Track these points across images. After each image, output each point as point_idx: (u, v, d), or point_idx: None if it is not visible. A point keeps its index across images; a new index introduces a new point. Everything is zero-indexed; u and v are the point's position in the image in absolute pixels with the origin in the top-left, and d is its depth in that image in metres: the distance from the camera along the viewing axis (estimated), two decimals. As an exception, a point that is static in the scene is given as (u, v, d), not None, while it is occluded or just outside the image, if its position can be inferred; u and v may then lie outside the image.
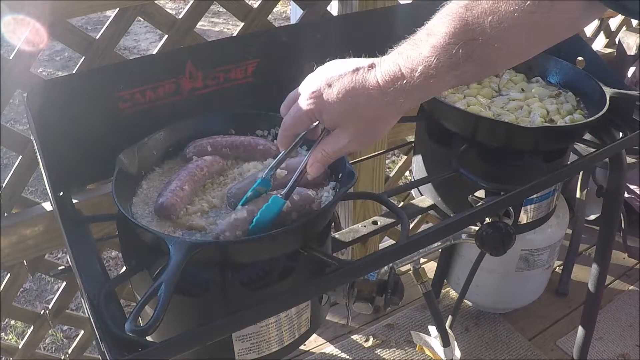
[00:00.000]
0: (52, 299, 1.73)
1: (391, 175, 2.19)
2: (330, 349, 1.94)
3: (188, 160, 1.09)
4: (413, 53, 0.77)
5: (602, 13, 0.75)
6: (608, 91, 1.26)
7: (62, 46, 4.66)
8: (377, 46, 1.44)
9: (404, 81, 0.77)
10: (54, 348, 2.51)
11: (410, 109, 0.82)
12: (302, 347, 1.81)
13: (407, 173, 2.30)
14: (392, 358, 1.91)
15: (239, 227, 0.89)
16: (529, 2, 0.70)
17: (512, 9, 0.71)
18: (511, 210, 1.21)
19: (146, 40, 5.56)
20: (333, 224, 1.33)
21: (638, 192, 2.32)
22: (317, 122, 0.87)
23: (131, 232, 0.96)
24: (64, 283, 1.70)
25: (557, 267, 2.22)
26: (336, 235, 1.24)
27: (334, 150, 0.84)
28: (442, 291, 2.14)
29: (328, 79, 0.82)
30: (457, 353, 1.54)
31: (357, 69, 0.81)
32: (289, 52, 1.07)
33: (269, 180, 0.94)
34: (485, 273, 1.77)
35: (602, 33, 2.60)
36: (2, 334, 2.53)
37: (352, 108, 0.80)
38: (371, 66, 0.81)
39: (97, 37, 1.38)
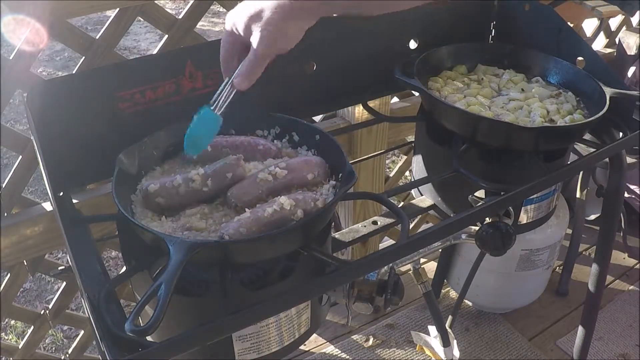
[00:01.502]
0: (52, 299, 1.73)
1: (391, 175, 2.19)
2: (330, 349, 1.94)
3: (188, 161, 1.09)
4: None
5: None
6: (608, 91, 1.26)
7: (62, 46, 4.66)
8: (377, 46, 1.45)
9: None
10: (54, 348, 2.51)
11: (313, 17, 0.87)
12: (302, 347, 1.81)
13: (407, 173, 2.30)
14: (392, 358, 1.91)
15: (242, 226, 0.90)
16: None
17: None
18: (511, 210, 1.21)
19: (146, 40, 5.56)
20: (333, 224, 1.33)
21: (638, 192, 2.32)
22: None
23: (131, 232, 0.96)
24: (64, 283, 1.70)
25: (557, 267, 2.22)
26: (336, 235, 1.24)
27: (250, 59, 0.90)
28: (442, 291, 2.14)
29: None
30: (457, 353, 1.54)
31: None
32: (288, 52, 1.07)
33: (210, 106, 0.97)
34: (485, 273, 1.77)
35: (602, 33, 2.61)
36: (2, 334, 2.54)
37: (257, 13, 0.86)
38: None
39: (97, 37, 1.38)
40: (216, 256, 0.90)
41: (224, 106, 0.97)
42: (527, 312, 2.07)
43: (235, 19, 0.91)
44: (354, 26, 1.42)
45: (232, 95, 0.96)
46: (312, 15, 0.88)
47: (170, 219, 0.97)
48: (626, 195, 2.29)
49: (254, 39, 0.88)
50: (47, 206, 1.44)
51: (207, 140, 0.99)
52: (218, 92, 0.97)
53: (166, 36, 1.48)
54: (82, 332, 1.85)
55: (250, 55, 0.90)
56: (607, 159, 1.47)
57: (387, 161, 3.51)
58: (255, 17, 0.87)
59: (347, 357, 1.92)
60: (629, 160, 1.93)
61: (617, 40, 2.57)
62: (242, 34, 0.90)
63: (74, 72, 1.33)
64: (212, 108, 0.96)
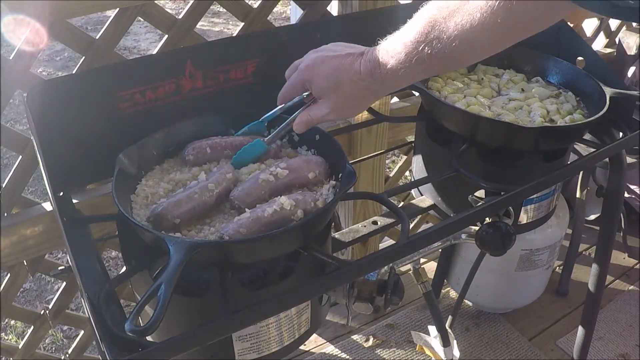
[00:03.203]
0: (52, 299, 1.73)
1: (391, 175, 2.19)
2: (330, 349, 1.94)
3: (187, 163, 1.09)
4: (390, 47, 0.90)
5: (569, 10, 0.81)
6: (608, 91, 1.26)
7: (62, 46, 4.66)
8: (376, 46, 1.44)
9: (379, 71, 0.92)
10: (54, 348, 2.51)
11: (385, 94, 1.00)
12: (302, 347, 1.81)
13: (407, 173, 2.30)
14: (392, 358, 1.91)
15: (242, 226, 0.90)
16: (490, 2, 0.77)
17: (473, 9, 0.79)
18: (511, 210, 1.21)
19: (146, 40, 5.56)
20: (333, 224, 1.33)
21: (638, 192, 2.32)
22: (309, 92, 1.02)
23: (131, 232, 0.96)
24: (64, 283, 1.70)
25: (557, 267, 2.22)
26: (336, 235, 1.24)
27: (316, 116, 1.00)
28: (442, 291, 2.14)
29: (324, 56, 0.98)
30: (457, 353, 1.54)
31: (349, 55, 0.96)
32: (289, 52, 1.07)
33: (264, 124, 1.10)
34: (485, 273, 1.77)
35: (602, 33, 2.60)
36: (2, 334, 2.53)
37: (335, 85, 0.96)
38: (361, 54, 0.95)
39: (97, 37, 1.38)
40: (216, 256, 0.90)
41: (277, 138, 1.09)
42: (527, 312, 2.07)
43: (310, 80, 0.99)
44: (354, 26, 1.43)
45: (287, 129, 1.06)
46: (383, 95, 1.01)
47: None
48: (626, 195, 2.29)
49: (327, 106, 0.98)
50: (47, 206, 1.44)
51: (251, 160, 1.09)
52: (271, 112, 1.09)
53: (166, 36, 1.48)
54: (82, 332, 1.85)
55: (320, 115, 1.00)
56: (607, 159, 1.47)
57: (387, 161, 3.51)
58: (334, 88, 0.97)
59: (347, 357, 1.92)
60: (629, 160, 1.92)
61: (617, 40, 2.57)
62: (313, 92, 1.01)
63: (74, 72, 1.33)
64: (265, 139, 1.08)
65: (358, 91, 0.95)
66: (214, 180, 0.99)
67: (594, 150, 1.25)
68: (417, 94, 1.89)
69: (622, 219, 2.25)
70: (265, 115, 1.09)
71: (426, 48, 0.84)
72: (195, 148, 1.09)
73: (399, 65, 0.88)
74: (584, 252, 2.37)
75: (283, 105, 1.06)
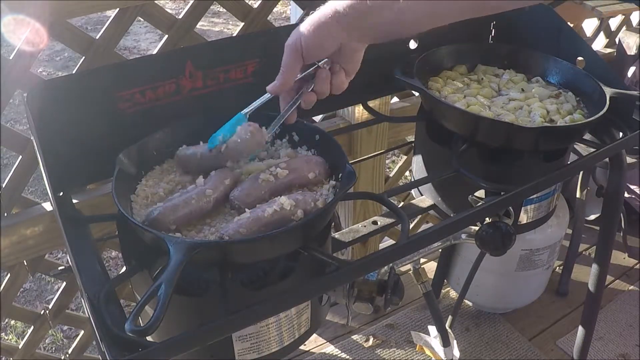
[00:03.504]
0: (52, 299, 1.73)
1: (391, 175, 2.19)
2: (330, 349, 1.94)
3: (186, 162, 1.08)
4: None
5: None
6: (608, 91, 1.26)
7: (62, 46, 4.66)
8: (377, 46, 1.44)
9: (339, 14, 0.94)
10: (54, 348, 2.51)
11: (346, 28, 0.97)
12: (302, 347, 1.81)
13: (407, 173, 2.30)
14: (392, 358, 1.91)
15: (242, 226, 0.90)
16: None
17: None
18: (511, 210, 1.21)
19: (146, 40, 5.57)
20: (333, 224, 1.33)
21: (638, 192, 2.32)
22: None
23: (131, 232, 0.96)
24: (64, 283, 1.70)
25: (557, 267, 2.22)
26: (336, 235, 1.24)
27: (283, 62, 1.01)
28: (442, 291, 2.14)
29: (308, 19, 0.99)
30: (457, 353, 1.54)
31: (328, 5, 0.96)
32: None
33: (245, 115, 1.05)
34: (485, 273, 1.77)
35: (602, 33, 2.61)
36: (2, 334, 2.54)
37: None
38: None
39: (97, 37, 1.38)
40: (216, 256, 0.90)
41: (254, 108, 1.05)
42: (527, 312, 2.07)
43: (299, 39, 1.00)
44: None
45: (265, 99, 1.05)
46: (344, 28, 0.98)
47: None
48: (626, 195, 2.29)
49: (295, 33, 0.99)
50: (47, 206, 1.44)
51: (228, 131, 1.05)
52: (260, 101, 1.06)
53: (166, 36, 1.48)
54: (82, 332, 1.85)
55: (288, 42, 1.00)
56: (607, 159, 1.47)
57: (387, 161, 3.51)
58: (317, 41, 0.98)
59: (347, 357, 1.92)
60: (629, 160, 1.93)
61: (617, 40, 2.57)
62: (305, 57, 1.01)
63: (74, 72, 1.33)
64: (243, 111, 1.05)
65: (319, 15, 0.97)
66: (212, 185, 0.98)
67: (594, 150, 1.25)
68: (417, 94, 1.89)
69: (622, 219, 2.25)
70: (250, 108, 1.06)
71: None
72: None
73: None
74: (584, 252, 2.37)
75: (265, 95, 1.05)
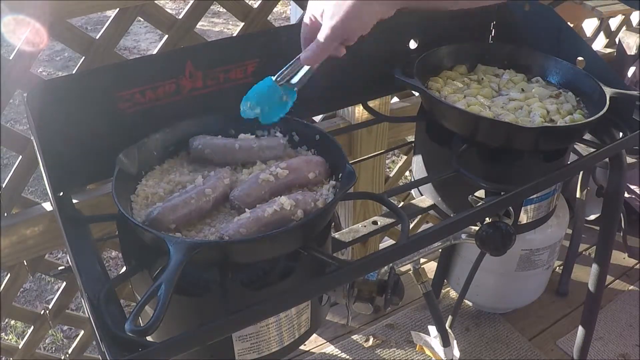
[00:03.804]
0: (52, 299, 1.73)
1: (391, 175, 2.19)
2: (330, 349, 1.94)
3: (193, 159, 1.09)
4: None
5: None
6: (608, 91, 1.26)
7: (62, 46, 4.66)
8: (377, 46, 1.44)
9: None
10: (54, 348, 2.51)
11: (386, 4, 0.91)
12: (302, 347, 1.81)
13: (407, 173, 2.30)
14: (392, 358, 1.91)
15: (242, 226, 0.90)
16: None
17: None
18: (511, 210, 1.21)
19: (146, 40, 5.57)
20: (333, 224, 1.33)
21: (638, 192, 2.32)
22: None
23: (131, 232, 0.96)
24: (64, 283, 1.70)
25: (557, 267, 2.22)
26: (336, 235, 1.24)
27: (318, 40, 0.95)
28: (442, 291, 2.14)
29: None
30: (457, 353, 1.55)
31: None
32: (289, 52, 1.07)
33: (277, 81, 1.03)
34: (485, 273, 1.77)
35: (602, 33, 2.61)
36: (2, 334, 2.54)
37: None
38: None
39: (97, 37, 1.38)
40: (216, 256, 0.90)
41: (297, 80, 1.02)
42: (527, 312, 2.07)
43: (312, 7, 0.97)
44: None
45: (305, 70, 1.01)
46: (386, 5, 0.91)
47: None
48: (626, 195, 2.29)
49: (326, 18, 0.93)
50: (47, 206, 1.44)
51: (259, 93, 1.04)
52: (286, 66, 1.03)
53: (166, 36, 1.48)
54: (82, 332, 1.85)
55: (320, 33, 0.95)
56: (607, 159, 1.47)
57: (387, 161, 3.51)
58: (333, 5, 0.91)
59: (347, 357, 1.92)
60: (629, 160, 1.93)
61: (617, 40, 2.57)
62: (318, 18, 0.96)
63: (74, 72, 1.33)
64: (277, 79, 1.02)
65: None
66: (211, 185, 0.98)
67: (594, 150, 1.25)
68: (417, 94, 1.89)
69: (622, 219, 2.25)
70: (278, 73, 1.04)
71: None
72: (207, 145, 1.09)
73: None
74: (584, 252, 2.37)
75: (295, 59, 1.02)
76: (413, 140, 1.61)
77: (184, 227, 0.95)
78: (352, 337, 1.98)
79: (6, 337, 2.53)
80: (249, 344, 1.01)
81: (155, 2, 1.41)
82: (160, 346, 0.78)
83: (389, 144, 1.94)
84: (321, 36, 0.95)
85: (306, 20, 1.01)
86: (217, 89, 1.23)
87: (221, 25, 5.92)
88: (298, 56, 1.01)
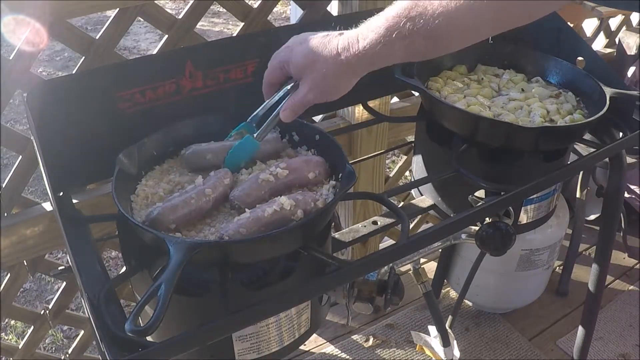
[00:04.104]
0: (52, 299, 1.73)
1: (391, 175, 2.19)
2: (330, 349, 1.94)
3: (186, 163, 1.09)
4: (371, 22, 0.87)
5: (562, 3, 0.80)
6: (608, 91, 1.26)
7: (62, 46, 4.66)
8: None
9: (357, 46, 0.88)
10: (54, 348, 2.51)
11: (364, 73, 0.93)
12: (302, 347, 1.81)
13: (407, 173, 2.30)
14: (392, 358, 1.91)
15: (242, 226, 0.90)
16: None
17: None
18: (511, 210, 1.21)
19: (146, 40, 5.57)
20: (333, 224, 1.33)
21: (638, 192, 2.32)
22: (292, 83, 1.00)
23: (131, 232, 0.96)
24: (64, 283, 1.70)
25: (557, 267, 2.22)
26: (336, 235, 1.24)
27: (297, 98, 0.97)
28: (442, 291, 2.14)
29: (303, 38, 0.96)
30: (457, 353, 1.54)
31: (327, 35, 0.93)
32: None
33: (252, 124, 1.06)
34: (485, 273, 1.77)
35: (602, 33, 2.60)
36: (2, 334, 2.53)
37: (312, 62, 0.93)
38: (340, 34, 0.92)
39: (97, 37, 1.38)
40: (216, 256, 0.90)
41: (268, 133, 1.05)
42: (527, 312, 2.07)
43: (288, 60, 0.97)
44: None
45: (275, 122, 1.03)
46: (362, 73, 0.94)
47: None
48: (626, 195, 2.29)
49: (306, 86, 0.95)
50: (47, 206, 1.44)
51: (243, 160, 1.07)
52: (257, 111, 1.06)
53: (166, 36, 1.48)
54: (82, 332, 1.85)
55: (300, 97, 0.97)
56: (607, 159, 1.47)
57: (387, 161, 3.51)
58: (310, 66, 0.94)
59: (347, 357, 1.91)
60: (629, 160, 1.92)
61: (617, 40, 2.57)
62: (293, 74, 0.98)
63: (74, 72, 1.33)
64: (255, 135, 1.05)
65: (335, 67, 0.91)
66: (211, 185, 0.98)
67: (594, 150, 1.25)
68: (417, 94, 1.89)
69: (622, 219, 2.25)
70: (252, 115, 1.06)
71: (408, 23, 0.81)
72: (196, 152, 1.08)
73: (379, 39, 0.85)
74: (584, 252, 2.37)
75: (268, 101, 1.04)
76: (413, 140, 1.61)
77: (184, 227, 0.95)
78: (352, 337, 1.98)
79: (6, 337, 2.53)
80: (249, 344, 1.01)
81: (155, 2, 1.41)
82: (160, 346, 0.78)
83: (389, 144, 1.94)
84: (302, 100, 0.97)
85: (274, 65, 1.00)
86: (217, 89, 1.23)
87: (221, 25, 5.92)
88: (275, 113, 1.01)
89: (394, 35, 0.83)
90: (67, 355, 1.86)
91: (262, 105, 1.05)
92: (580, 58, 1.44)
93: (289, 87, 1.00)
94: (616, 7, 2.11)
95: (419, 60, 0.91)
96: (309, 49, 0.93)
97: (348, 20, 0.93)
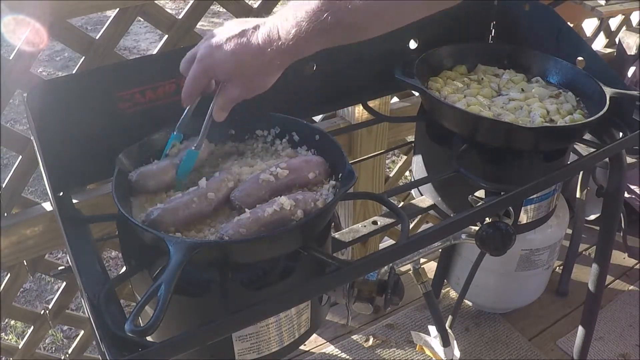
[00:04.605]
0: (52, 299, 1.73)
1: (391, 175, 2.19)
2: (330, 349, 1.94)
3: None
4: (290, 16, 0.86)
5: None
6: (608, 91, 1.26)
7: (62, 46, 4.66)
8: (376, 46, 1.44)
9: (279, 42, 0.88)
10: (54, 348, 2.51)
11: (291, 62, 0.93)
12: (302, 347, 1.81)
13: (407, 173, 2.30)
14: (392, 358, 1.91)
15: (242, 226, 0.89)
16: None
17: None
18: (511, 210, 1.21)
19: (146, 40, 5.56)
20: (333, 224, 1.33)
21: (638, 192, 2.32)
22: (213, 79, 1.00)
23: (131, 232, 0.96)
24: (64, 283, 1.70)
25: (557, 267, 2.22)
26: (336, 235, 1.24)
27: (231, 97, 0.98)
28: (442, 291, 2.14)
29: (218, 42, 0.94)
30: (457, 353, 1.54)
31: (243, 32, 0.92)
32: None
33: (180, 133, 1.07)
34: (485, 273, 1.77)
35: (602, 33, 2.61)
36: (2, 334, 2.53)
37: (238, 66, 0.93)
38: (255, 28, 0.91)
39: (97, 37, 1.38)
40: (216, 256, 0.90)
41: (204, 136, 1.04)
42: (527, 312, 2.07)
43: (211, 66, 0.96)
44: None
45: (209, 126, 1.03)
46: (287, 65, 0.94)
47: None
48: (626, 195, 2.29)
49: (236, 87, 0.96)
50: (47, 206, 1.44)
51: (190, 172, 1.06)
52: (181, 119, 1.06)
53: (166, 36, 1.48)
54: (82, 332, 1.85)
55: (231, 96, 0.98)
56: (607, 159, 1.47)
57: (387, 161, 3.51)
58: (237, 69, 0.94)
59: (347, 357, 1.91)
60: (629, 160, 1.92)
61: (617, 40, 2.57)
62: (219, 77, 0.98)
63: (74, 72, 1.33)
64: (193, 148, 1.04)
65: (263, 65, 0.92)
66: (214, 188, 0.98)
67: (594, 150, 1.25)
68: (417, 94, 1.89)
69: (622, 219, 2.25)
70: (177, 125, 1.06)
71: (329, 17, 0.82)
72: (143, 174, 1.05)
73: (301, 34, 0.85)
74: (584, 252, 2.37)
75: (189, 107, 1.04)
76: (413, 140, 1.61)
77: (184, 227, 0.95)
78: (352, 337, 1.98)
79: (6, 337, 2.53)
80: (249, 344, 1.01)
81: (155, 2, 1.41)
82: (160, 346, 0.78)
83: (389, 144, 1.94)
84: (234, 99, 0.98)
85: (198, 73, 0.98)
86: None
87: (221, 25, 5.91)
88: (207, 119, 1.02)
89: (316, 29, 0.84)
90: (67, 355, 1.86)
91: (185, 112, 1.05)
92: (580, 58, 1.44)
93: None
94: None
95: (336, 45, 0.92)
96: (231, 53, 0.92)
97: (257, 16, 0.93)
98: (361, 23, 0.84)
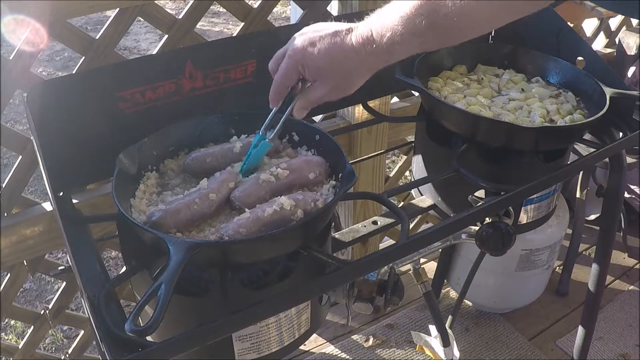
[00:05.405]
0: (52, 299, 1.73)
1: (391, 175, 2.19)
2: (330, 349, 1.94)
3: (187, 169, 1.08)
4: (385, 20, 0.87)
5: None
6: (608, 91, 1.26)
7: (62, 46, 4.66)
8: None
9: (374, 45, 0.89)
10: (54, 348, 2.51)
11: (380, 68, 0.94)
12: (302, 347, 1.81)
13: (407, 173, 2.30)
14: (392, 358, 1.91)
15: (242, 226, 0.89)
16: None
17: None
18: (511, 210, 1.21)
19: (146, 40, 5.56)
20: (333, 224, 1.33)
21: (638, 192, 2.32)
22: (301, 78, 0.99)
23: (131, 232, 0.96)
24: (64, 283, 1.70)
25: (557, 267, 2.22)
26: (336, 235, 1.24)
27: (315, 98, 0.98)
28: (442, 291, 2.14)
29: (311, 39, 0.94)
30: (457, 353, 1.54)
31: (336, 32, 0.93)
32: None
33: (264, 136, 1.05)
34: (485, 273, 1.77)
35: (602, 33, 2.60)
36: (2, 334, 2.53)
37: (330, 65, 0.93)
38: (348, 30, 0.92)
39: (97, 37, 1.38)
40: (216, 256, 0.90)
41: (279, 131, 1.05)
42: (527, 312, 2.07)
43: (303, 60, 0.95)
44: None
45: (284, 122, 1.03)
46: (378, 69, 0.95)
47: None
48: (626, 195, 2.29)
49: (326, 86, 0.97)
50: (47, 206, 1.44)
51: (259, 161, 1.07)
52: (268, 119, 1.05)
53: (166, 36, 1.48)
54: (82, 332, 1.85)
55: (318, 96, 0.98)
56: (607, 159, 1.47)
57: (387, 161, 3.51)
58: (329, 68, 0.94)
59: (347, 357, 1.92)
60: (629, 160, 1.93)
61: (617, 40, 2.57)
62: (308, 75, 0.97)
63: (74, 72, 1.33)
64: (266, 137, 1.05)
65: (354, 67, 0.93)
66: (215, 189, 0.98)
67: (594, 150, 1.25)
68: (417, 94, 1.89)
69: (622, 219, 2.25)
70: (264, 125, 1.06)
71: (424, 22, 0.83)
72: (195, 158, 1.07)
73: (395, 37, 0.86)
74: (584, 252, 2.37)
75: (276, 108, 1.03)
76: (413, 140, 1.61)
77: (185, 228, 0.95)
78: (352, 337, 1.98)
79: (6, 337, 2.53)
80: (249, 344, 1.01)
81: (155, 2, 1.41)
82: (160, 346, 0.78)
83: (389, 144, 1.94)
84: (320, 99, 0.99)
85: (290, 67, 0.97)
86: (217, 89, 1.23)
87: (221, 25, 5.92)
88: (287, 114, 1.02)
89: (410, 33, 0.85)
90: (67, 355, 1.86)
91: (272, 112, 1.04)
92: (580, 58, 1.44)
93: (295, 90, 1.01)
94: (617, 11, 2.11)
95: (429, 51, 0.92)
96: (325, 50, 0.93)
97: (348, 20, 0.93)
98: (454, 28, 0.85)
